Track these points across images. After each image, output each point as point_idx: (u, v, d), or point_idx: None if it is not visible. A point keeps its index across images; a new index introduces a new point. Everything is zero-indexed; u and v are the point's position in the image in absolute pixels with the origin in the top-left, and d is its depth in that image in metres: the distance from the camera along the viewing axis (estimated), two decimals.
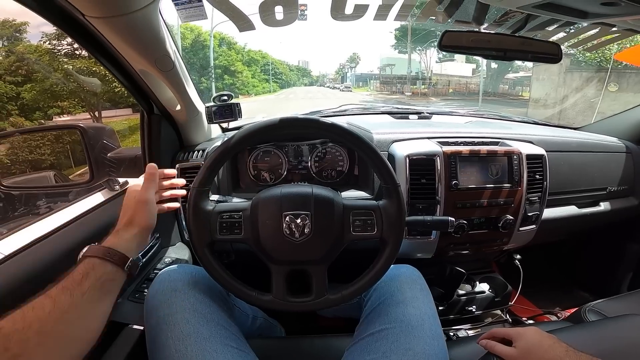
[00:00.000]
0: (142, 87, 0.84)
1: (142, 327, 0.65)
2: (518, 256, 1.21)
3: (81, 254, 0.53)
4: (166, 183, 0.74)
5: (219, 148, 0.62)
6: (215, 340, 0.58)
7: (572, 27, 1.02)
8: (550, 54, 0.83)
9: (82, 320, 0.47)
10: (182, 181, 0.77)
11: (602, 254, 1.49)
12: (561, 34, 1.07)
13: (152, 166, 0.67)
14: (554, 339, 0.57)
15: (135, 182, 0.66)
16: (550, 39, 0.92)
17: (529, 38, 0.83)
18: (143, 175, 0.67)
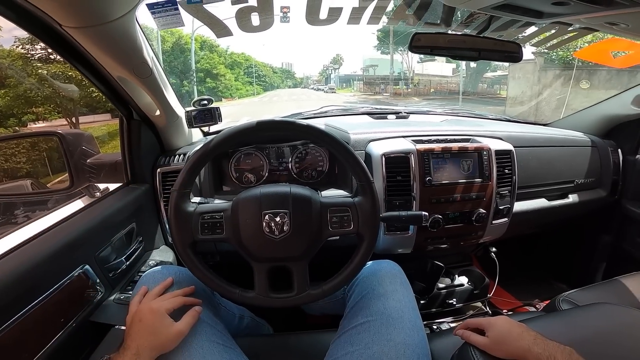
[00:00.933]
0: (121, 94, 0.85)
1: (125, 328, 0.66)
2: (494, 249, 1.27)
3: None
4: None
5: (198, 151, 0.64)
6: (200, 337, 0.60)
7: (534, 27, 1.07)
8: (511, 53, 0.87)
9: None
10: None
11: (576, 245, 1.55)
12: (524, 34, 1.13)
13: (199, 310, 0.63)
14: (523, 327, 0.58)
15: (171, 301, 0.61)
16: (514, 38, 0.97)
17: (492, 38, 0.87)
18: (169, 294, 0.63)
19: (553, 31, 1.06)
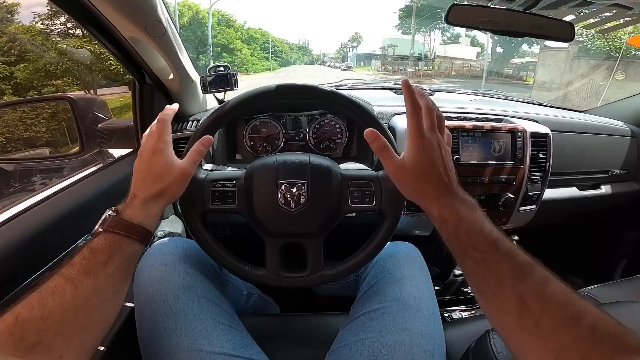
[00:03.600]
0: (133, 56, 0.80)
1: (132, 305, 0.63)
2: (516, 237, 1.20)
3: (99, 226, 0.46)
4: None
5: (211, 115, 0.59)
6: (205, 317, 0.56)
7: (586, 9, 0.97)
8: (562, 32, 0.79)
9: (104, 305, 0.42)
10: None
11: (598, 239, 1.48)
12: (573, 15, 1.03)
13: (208, 139, 0.56)
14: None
15: (165, 141, 0.53)
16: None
17: (541, 16, 0.79)
18: (166, 131, 0.54)
19: (607, 14, 0.95)
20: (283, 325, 0.75)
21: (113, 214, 0.47)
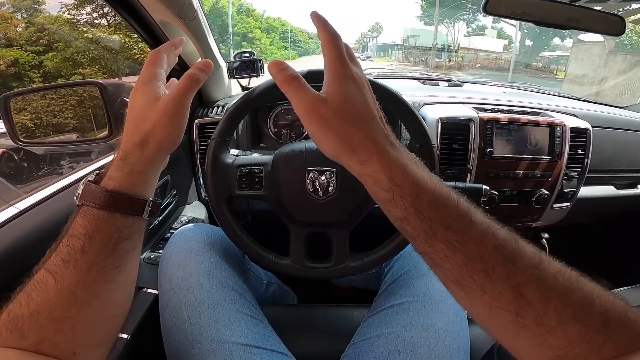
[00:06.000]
0: (163, 41, 0.80)
1: (156, 291, 0.63)
2: (546, 235, 1.15)
3: (76, 196, 0.36)
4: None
5: (240, 98, 0.58)
6: (229, 307, 0.55)
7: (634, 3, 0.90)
8: (611, 26, 0.74)
9: (99, 300, 0.35)
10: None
11: (630, 240, 1.41)
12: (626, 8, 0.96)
13: (206, 62, 0.42)
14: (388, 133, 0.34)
15: (155, 74, 0.40)
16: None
17: (588, 8, 0.74)
18: (156, 64, 0.41)
19: None
20: (302, 316, 0.75)
21: (90, 181, 0.36)
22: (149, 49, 0.82)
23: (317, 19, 0.38)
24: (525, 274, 0.28)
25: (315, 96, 0.34)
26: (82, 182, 0.36)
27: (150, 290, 0.69)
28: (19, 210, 0.56)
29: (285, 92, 0.35)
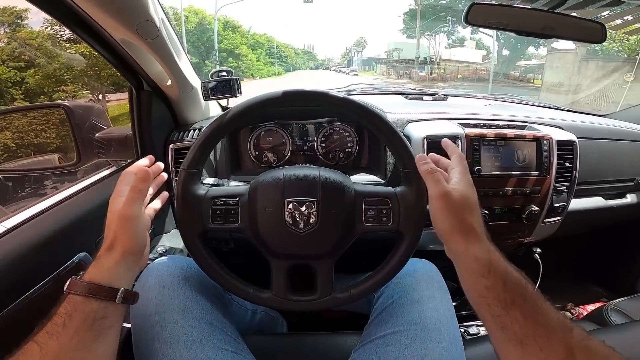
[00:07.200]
0: (128, 61, 0.75)
1: (129, 325, 0.60)
2: (538, 250, 1.13)
3: (65, 287, 0.44)
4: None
5: (211, 124, 0.54)
6: (207, 344, 0.52)
7: (616, 8, 0.91)
8: (591, 33, 0.74)
9: None
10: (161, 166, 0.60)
11: (622, 249, 1.42)
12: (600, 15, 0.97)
13: (144, 172, 0.50)
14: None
15: (119, 191, 0.50)
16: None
17: (568, 15, 0.74)
18: (124, 182, 0.51)
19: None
20: (291, 345, 0.71)
21: (75, 277, 0.45)
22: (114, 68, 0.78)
23: (447, 143, 0.58)
24: (577, 338, 0.36)
25: (449, 188, 0.48)
26: (70, 279, 0.44)
27: (123, 325, 0.64)
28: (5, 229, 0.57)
29: (426, 180, 0.50)
